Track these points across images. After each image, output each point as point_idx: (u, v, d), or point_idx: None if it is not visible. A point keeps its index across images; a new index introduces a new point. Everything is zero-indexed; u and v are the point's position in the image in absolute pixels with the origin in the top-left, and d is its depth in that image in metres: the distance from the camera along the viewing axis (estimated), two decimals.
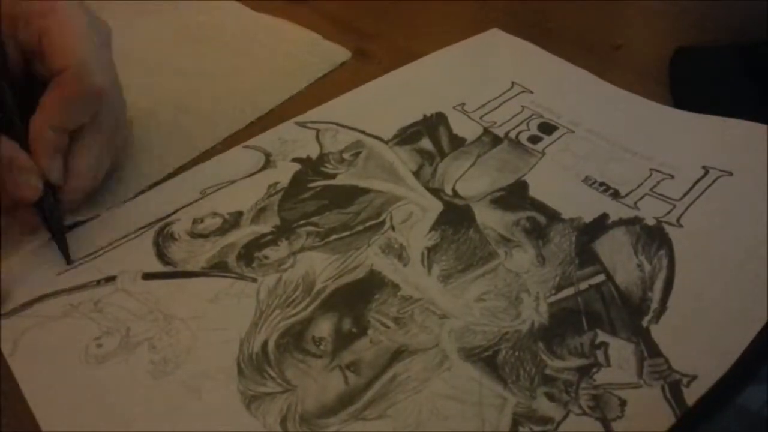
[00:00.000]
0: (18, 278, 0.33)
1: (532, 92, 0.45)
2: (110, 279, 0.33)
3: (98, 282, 0.33)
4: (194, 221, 0.36)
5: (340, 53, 0.49)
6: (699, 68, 0.46)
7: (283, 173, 0.39)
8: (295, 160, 0.40)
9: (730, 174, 0.38)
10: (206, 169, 0.39)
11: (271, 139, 0.41)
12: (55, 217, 0.34)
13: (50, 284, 0.33)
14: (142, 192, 0.38)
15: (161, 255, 0.34)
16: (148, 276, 0.33)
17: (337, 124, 0.42)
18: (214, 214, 0.36)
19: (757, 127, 0.40)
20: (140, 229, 0.36)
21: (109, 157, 0.37)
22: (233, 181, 0.38)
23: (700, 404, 0.27)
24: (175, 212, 0.36)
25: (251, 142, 0.41)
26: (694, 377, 0.28)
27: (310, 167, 0.39)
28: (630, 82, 0.44)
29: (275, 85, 0.46)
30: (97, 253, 0.34)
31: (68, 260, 0.34)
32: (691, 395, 0.27)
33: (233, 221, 0.36)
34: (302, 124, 0.42)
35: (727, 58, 0.46)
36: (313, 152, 0.40)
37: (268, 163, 0.40)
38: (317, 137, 0.41)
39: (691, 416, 0.26)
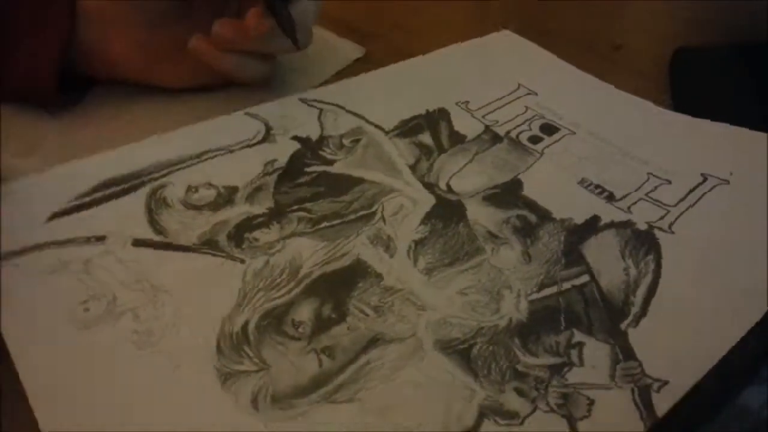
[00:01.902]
0: (5, 223, 0.33)
1: (536, 94, 0.45)
2: (100, 239, 0.33)
3: (88, 240, 0.33)
4: (188, 189, 0.36)
5: (353, 50, 0.49)
6: (699, 69, 0.45)
7: (282, 150, 0.39)
8: (294, 138, 0.40)
9: (727, 183, 0.37)
10: (207, 130, 0.40)
11: (273, 110, 0.42)
12: (286, 12, 0.39)
13: (39, 232, 0.33)
14: None
15: (153, 221, 0.34)
16: (138, 243, 0.34)
17: (340, 107, 0.43)
18: (209, 185, 0.37)
19: (757, 136, 0.39)
20: (132, 183, 0.36)
21: None
22: (231, 150, 0.39)
23: (701, 405, 0.27)
24: (169, 172, 0.37)
25: (253, 109, 0.42)
26: (665, 383, 0.27)
27: (310, 149, 0.40)
28: (630, 82, 0.44)
29: (289, 82, 0.46)
30: (87, 203, 0.35)
31: (296, 44, 0.39)
32: (661, 401, 0.27)
33: (227, 196, 0.36)
34: (305, 101, 0.43)
35: (727, 58, 0.46)
36: (314, 133, 0.41)
37: (268, 135, 0.40)
38: (319, 117, 0.42)
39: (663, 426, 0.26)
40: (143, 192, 0.36)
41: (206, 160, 0.38)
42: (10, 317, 0.30)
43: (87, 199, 0.35)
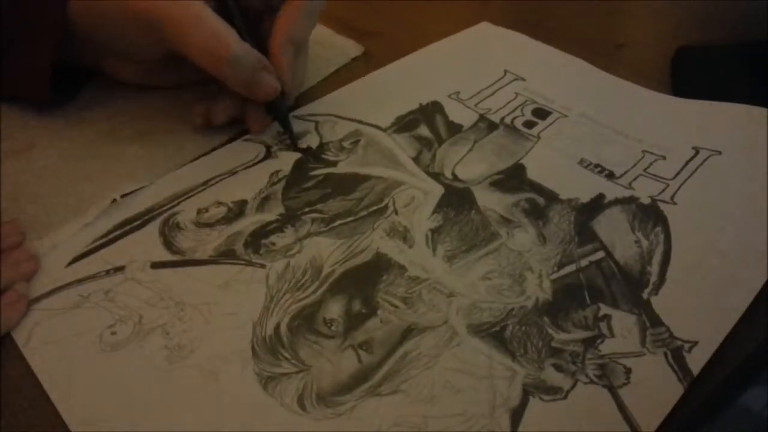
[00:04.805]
0: None
1: (524, 80, 0.46)
2: (119, 269, 0.33)
3: (107, 272, 0.33)
4: (199, 211, 0.36)
5: (352, 48, 0.49)
6: (700, 67, 0.46)
7: (285, 162, 0.39)
8: (296, 149, 0.40)
9: (719, 153, 0.39)
10: (207, 161, 0.40)
11: (270, 132, 0.42)
12: (284, 112, 0.41)
13: (59, 277, 0.33)
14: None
15: (168, 244, 0.35)
16: (156, 265, 0.34)
17: (335, 116, 0.43)
18: (219, 204, 0.37)
19: (742, 108, 0.41)
20: (144, 219, 0.36)
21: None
22: (235, 172, 0.39)
23: (703, 405, 0.28)
24: (179, 202, 0.37)
25: (251, 135, 0.42)
26: (695, 343, 0.29)
27: (311, 155, 0.40)
28: (632, 80, 0.45)
29: None
30: (104, 243, 0.35)
31: (295, 146, 0.41)
32: (693, 360, 0.28)
33: (238, 210, 0.36)
34: (300, 117, 0.43)
35: (728, 57, 0.46)
36: (313, 142, 0.41)
37: (268, 154, 0.40)
38: (316, 128, 0.42)
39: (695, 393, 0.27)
40: (156, 223, 0.36)
41: (212, 185, 0.38)
42: (39, 357, 0.30)
43: (102, 240, 0.35)
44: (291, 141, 0.41)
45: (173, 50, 0.38)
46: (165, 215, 0.36)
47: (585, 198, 0.37)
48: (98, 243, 0.35)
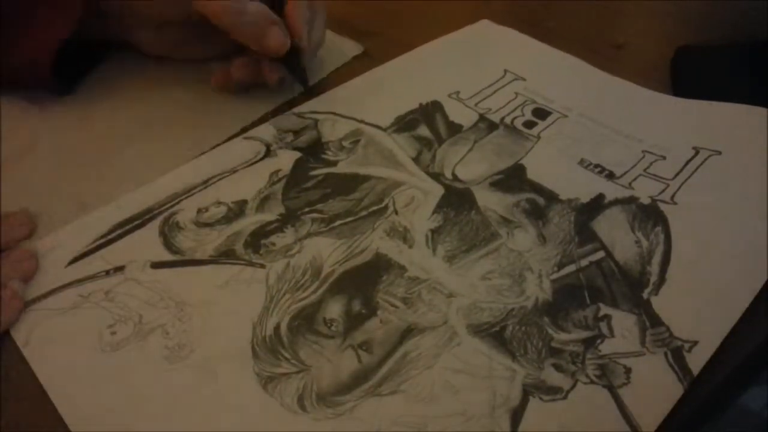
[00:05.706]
0: None
1: (524, 79, 0.46)
2: (119, 269, 0.33)
3: (107, 272, 0.33)
4: (199, 210, 0.36)
5: (351, 47, 0.49)
6: (700, 67, 0.46)
7: (285, 161, 0.39)
8: (296, 149, 0.40)
9: (719, 153, 0.39)
10: (207, 160, 0.40)
11: (270, 130, 0.42)
12: (300, 67, 0.43)
13: (59, 277, 0.33)
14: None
15: (168, 244, 0.35)
16: (156, 265, 0.34)
17: (335, 114, 0.43)
18: (219, 203, 0.37)
19: (742, 108, 0.41)
20: (144, 218, 0.36)
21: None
22: (235, 170, 0.39)
23: (703, 405, 0.28)
24: (179, 201, 0.37)
25: (251, 133, 0.42)
26: (695, 342, 0.29)
27: (311, 155, 0.40)
28: (632, 80, 0.45)
29: (288, 79, 0.45)
30: (104, 243, 0.35)
31: (307, 90, 0.44)
32: (693, 360, 0.28)
33: (238, 210, 0.36)
34: (301, 115, 0.43)
35: (728, 57, 0.46)
36: (313, 140, 0.41)
37: (268, 152, 0.40)
38: (316, 126, 0.42)
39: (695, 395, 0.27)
40: (156, 223, 0.36)
41: (212, 184, 0.38)
42: (39, 357, 0.30)
43: (102, 240, 0.35)
44: (305, 88, 0.44)
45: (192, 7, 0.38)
46: (165, 215, 0.36)
47: (585, 198, 0.37)
48: (98, 243, 0.35)
